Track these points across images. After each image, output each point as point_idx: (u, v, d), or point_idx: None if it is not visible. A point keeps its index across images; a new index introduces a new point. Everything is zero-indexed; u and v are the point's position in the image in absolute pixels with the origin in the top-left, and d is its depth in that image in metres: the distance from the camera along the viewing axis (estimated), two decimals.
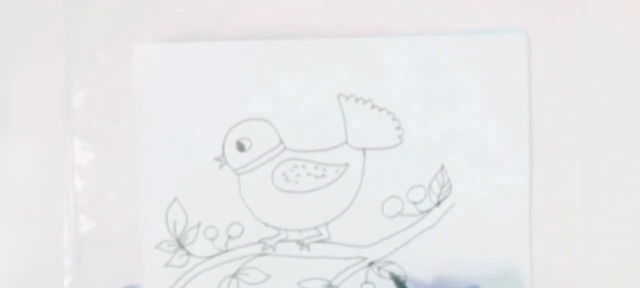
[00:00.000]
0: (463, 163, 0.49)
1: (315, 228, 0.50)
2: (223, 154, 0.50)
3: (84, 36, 0.51)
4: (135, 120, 0.50)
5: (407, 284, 0.49)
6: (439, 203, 0.50)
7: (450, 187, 0.49)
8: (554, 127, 0.49)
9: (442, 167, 0.50)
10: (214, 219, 0.50)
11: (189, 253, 0.50)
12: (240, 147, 0.50)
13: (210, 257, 0.50)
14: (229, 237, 0.50)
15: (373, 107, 0.50)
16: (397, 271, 0.50)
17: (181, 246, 0.50)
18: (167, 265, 0.50)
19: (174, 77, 0.50)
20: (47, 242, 0.51)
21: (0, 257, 0.51)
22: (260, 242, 0.50)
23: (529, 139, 0.49)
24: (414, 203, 0.50)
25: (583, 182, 0.49)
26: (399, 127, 0.50)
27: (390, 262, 0.50)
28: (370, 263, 0.50)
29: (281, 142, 0.50)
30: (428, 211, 0.50)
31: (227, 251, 0.50)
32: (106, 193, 0.51)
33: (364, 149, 0.50)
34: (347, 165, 0.50)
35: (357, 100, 0.50)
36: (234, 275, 0.50)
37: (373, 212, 0.50)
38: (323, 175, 0.50)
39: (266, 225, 0.50)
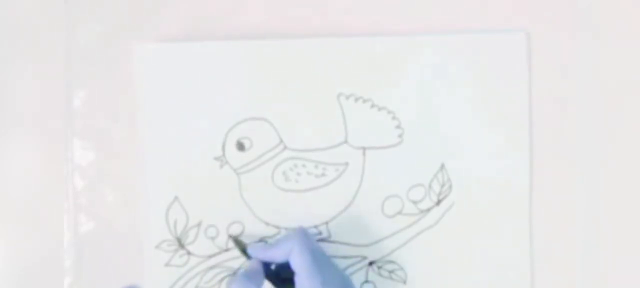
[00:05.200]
0: (463, 163, 0.49)
1: (316, 227, 0.50)
2: (223, 154, 0.50)
3: (84, 36, 0.51)
4: (135, 120, 0.50)
5: (248, 250, 0.48)
6: (439, 202, 0.50)
7: (451, 186, 0.49)
8: (554, 127, 0.49)
9: (442, 166, 0.50)
10: (214, 218, 0.50)
11: (189, 253, 0.50)
12: (241, 147, 0.50)
13: (211, 256, 0.50)
14: (230, 236, 0.50)
15: (373, 106, 0.50)
16: (397, 270, 0.50)
17: (181, 245, 0.50)
18: (167, 264, 0.50)
19: (174, 77, 0.50)
20: (47, 241, 0.51)
21: (0, 257, 0.51)
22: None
23: (529, 139, 0.49)
24: (414, 202, 0.50)
25: (583, 181, 0.50)
26: (398, 127, 0.50)
27: (391, 261, 0.50)
28: (371, 263, 0.50)
29: (281, 141, 0.50)
30: (428, 210, 0.50)
31: (227, 250, 0.50)
32: (106, 193, 0.51)
33: (363, 148, 0.50)
34: (347, 164, 0.50)
35: (357, 100, 0.50)
36: (234, 274, 0.50)
37: (373, 211, 0.50)
38: (323, 174, 0.50)
39: (267, 224, 0.50)
